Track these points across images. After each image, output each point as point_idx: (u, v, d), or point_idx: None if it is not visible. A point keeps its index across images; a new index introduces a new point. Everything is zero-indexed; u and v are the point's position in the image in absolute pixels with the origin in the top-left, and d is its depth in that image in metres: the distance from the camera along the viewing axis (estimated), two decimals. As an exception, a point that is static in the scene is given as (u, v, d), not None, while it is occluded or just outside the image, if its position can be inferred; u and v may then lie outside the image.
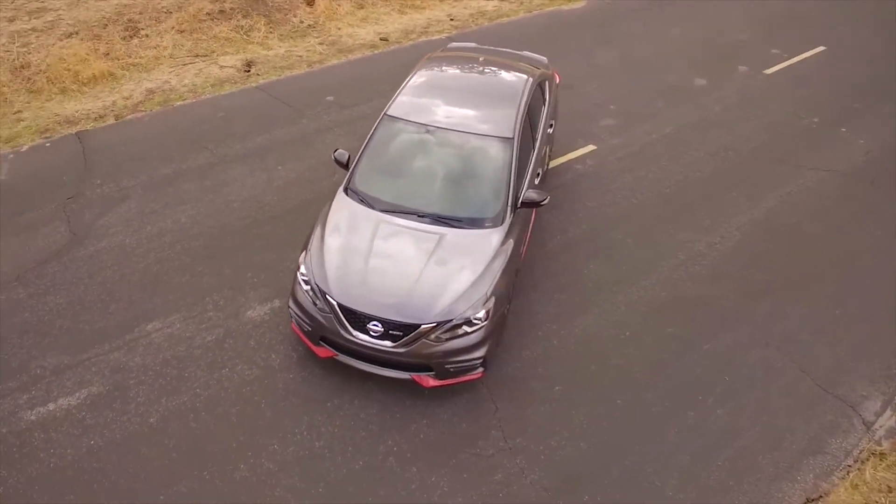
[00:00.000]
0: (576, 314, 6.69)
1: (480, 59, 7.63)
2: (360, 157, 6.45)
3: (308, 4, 12.89)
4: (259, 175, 8.24)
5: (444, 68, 7.42)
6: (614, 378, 6.11)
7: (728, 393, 6.02)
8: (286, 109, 9.63)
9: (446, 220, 5.93)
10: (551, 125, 7.70)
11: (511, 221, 6.06)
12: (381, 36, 12.29)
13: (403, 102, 6.73)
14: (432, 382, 5.61)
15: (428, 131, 6.42)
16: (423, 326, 5.37)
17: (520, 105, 6.71)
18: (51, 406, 5.52)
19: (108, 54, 10.46)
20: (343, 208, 6.11)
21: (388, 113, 6.63)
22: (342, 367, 5.80)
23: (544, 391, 5.96)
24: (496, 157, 6.25)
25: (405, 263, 5.66)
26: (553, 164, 8.71)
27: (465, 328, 5.44)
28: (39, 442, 5.28)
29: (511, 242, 5.97)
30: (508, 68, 7.50)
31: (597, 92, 10.63)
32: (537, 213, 7.28)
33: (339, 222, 5.98)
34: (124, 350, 6.01)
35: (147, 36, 11.06)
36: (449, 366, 5.51)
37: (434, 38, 12.31)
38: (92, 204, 7.64)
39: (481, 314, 5.47)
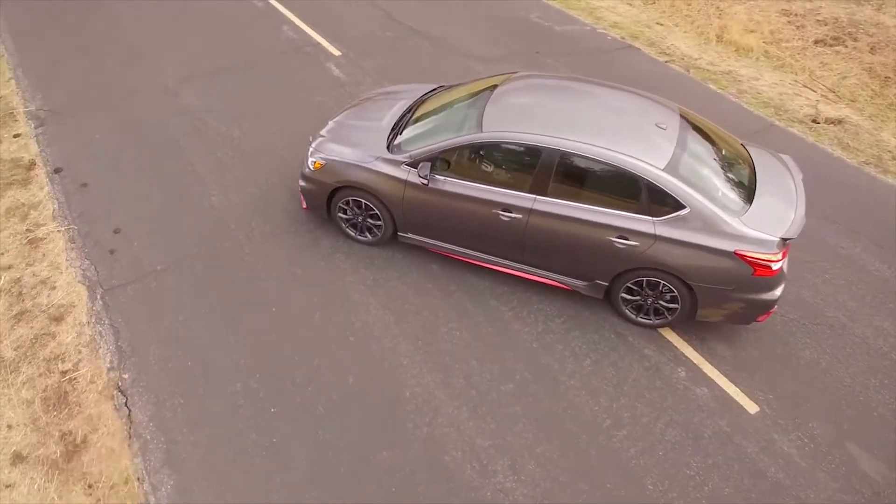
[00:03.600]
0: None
1: (663, 126, 6.35)
2: (466, 82, 7.61)
3: None
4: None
5: (629, 99, 6.77)
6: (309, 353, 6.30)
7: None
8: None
9: (399, 129, 7.05)
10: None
11: (397, 163, 6.66)
12: None
13: (523, 78, 7.14)
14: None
15: (485, 98, 6.81)
16: (310, 147, 7.22)
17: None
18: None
19: (770, 34, 10.84)
20: (398, 87, 8.11)
21: (515, 73, 7.29)
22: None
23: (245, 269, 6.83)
24: (464, 135, 6.48)
25: (362, 118, 7.46)
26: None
27: (309, 166, 7.13)
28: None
29: (382, 172, 6.70)
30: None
31: None
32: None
33: (386, 91, 8.07)
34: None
35: (838, 52, 10.54)
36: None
37: None
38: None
39: (310, 166, 7.09)
